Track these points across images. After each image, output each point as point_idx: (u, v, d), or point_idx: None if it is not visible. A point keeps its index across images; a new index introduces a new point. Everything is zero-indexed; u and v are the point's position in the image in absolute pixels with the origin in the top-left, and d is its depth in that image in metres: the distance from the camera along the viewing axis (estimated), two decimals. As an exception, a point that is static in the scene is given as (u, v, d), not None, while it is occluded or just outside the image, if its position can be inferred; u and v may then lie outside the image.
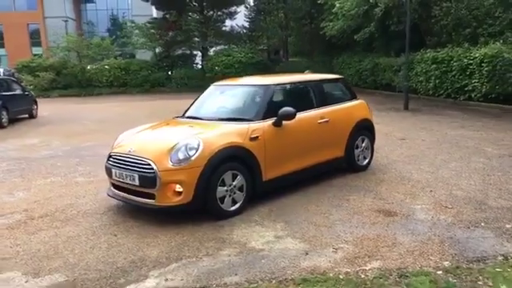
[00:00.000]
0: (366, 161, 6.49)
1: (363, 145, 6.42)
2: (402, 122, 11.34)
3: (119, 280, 3.52)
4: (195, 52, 28.69)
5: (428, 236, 4.05)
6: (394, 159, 7.04)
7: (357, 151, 6.31)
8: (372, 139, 6.61)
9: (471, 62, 13.63)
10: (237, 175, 4.80)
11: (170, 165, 4.53)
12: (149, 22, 28.42)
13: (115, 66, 26.55)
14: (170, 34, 26.67)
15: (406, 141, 8.63)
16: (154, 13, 36.85)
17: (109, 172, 5.07)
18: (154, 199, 4.62)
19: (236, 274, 3.51)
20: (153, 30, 27.34)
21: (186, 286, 3.37)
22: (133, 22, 27.81)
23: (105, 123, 12.96)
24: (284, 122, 5.22)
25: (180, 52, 28.16)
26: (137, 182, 4.65)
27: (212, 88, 6.23)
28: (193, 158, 4.52)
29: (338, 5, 20.02)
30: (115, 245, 4.21)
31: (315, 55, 26.97)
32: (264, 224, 4.56)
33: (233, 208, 4.80)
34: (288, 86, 5.86)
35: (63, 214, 5.17)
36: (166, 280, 3.48)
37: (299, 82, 6.06)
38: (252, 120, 5.13)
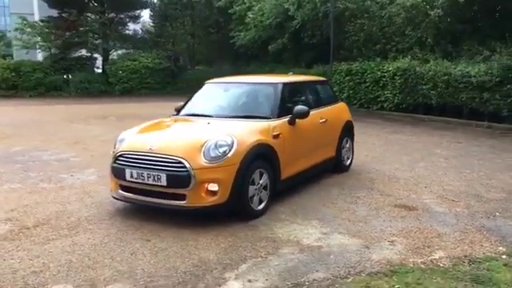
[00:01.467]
0: (349, 161, 6.74)
1: (347, 145, 6.67)
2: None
3: (198, 284, 3.24)
4: (96, 55, 27.10)
5: (462, 226, 4.35)
6: (365, 160, 7.39)
7: (343, 151, 6.53)
8: (353, 140, 6.88)
9: (384, 74, 14.83)
10: (263, 173, 4.70)
11: (204, 162, 4.27)
12: (42, 21, 26.21)
13: (3, 67, 24.01)
14: (67, 34, 24.88)
15: (359, 144, 9.08)
16: (36, 11, 34.14)
17: (119, 173, 4.62)
18: (184, 200, 4.30)
19: (317, 271, 3.44)
20: (47, 30, 25.26)
21: (276, 286, 3.20)
22: (25, 19, 25.38)
23: (18, 128, 11.69)
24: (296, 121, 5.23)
25: (78, 54, 26.41)
26: (163, 183, 4.30)
27: (211, 86, 6.02)
28: (229, 155, 4.32)
29: (251, 15, 20.45)
30: (158, 250, 3.86)
31: (223, 64, 27.13)
32: (298, 222, 4.51)
33: (260, 207, 4.68)
34: (293, 86, 5.88)
35: (62, 222, 4.59)
36: (250, 281, 3.28)
37: (301, 82, 6.14)
38: (269, 118, 5.06)
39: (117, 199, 4.89)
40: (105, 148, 8.63)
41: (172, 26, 27.29)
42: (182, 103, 6.04)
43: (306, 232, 4.23)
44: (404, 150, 8.36)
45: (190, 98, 5.97)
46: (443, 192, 5.53)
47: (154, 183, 4.36)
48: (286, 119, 5.17)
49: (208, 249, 3.86)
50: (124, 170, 4.56)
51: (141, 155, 4.50)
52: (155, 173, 4.34)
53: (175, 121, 5.43)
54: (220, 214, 4.47)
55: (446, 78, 12.55)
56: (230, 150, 4.34)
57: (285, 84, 5.57)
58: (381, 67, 15.10)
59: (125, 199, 4.76)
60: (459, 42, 13.59)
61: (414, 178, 6.25)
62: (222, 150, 4.34)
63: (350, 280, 3.26)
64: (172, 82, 25.62)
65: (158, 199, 4.44)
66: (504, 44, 11.92)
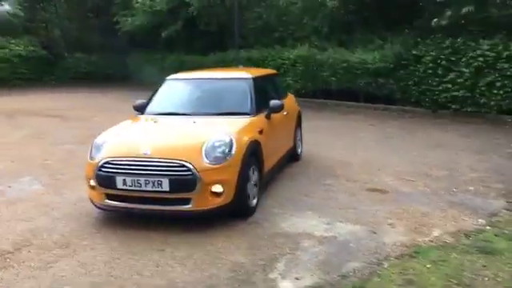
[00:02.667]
0: (300, 150, 7.04)
1: (299, 135, 6.96)
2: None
3: (251, 289, 3.25)
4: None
5: (436, 204, 4.90)
6: (305, 148, 7.72)
7: (297, 141, 6.81)
8: (301, 130, 7.19)
9: (285, 61, 15.47)
10: (254, 170, 4.75)
11: (207, 164, 4.19)
12: None
13: None
14: None
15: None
16: None
17: (107, 181, 4.31)
18: (189, 204, 4.19)
19: (349, 261, 3.65)
20: None
21: (325, 280, 3.36)
22: None
23: None
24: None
25: None
26: (165, 188, 4.13)
27: (176, 82, 5.81)
28: (232, 155, 4.30)
29: (140, 0, 19.69)
30: (181, 258, 3.75)
31: (104, 51, 25.65)
32: (295, 215, 4.67)
33: (254, 203, 4.73)
34: (260, 80, 5.92)
35: (46, 241, 4.17)
36: (298, 279, 3.38)
37: (264, 76, 6.21)
38: (250, 114, 5.11)
39: (102, 209, 4.55)
40: (21, 152, 7.85)
41: (45, 10, 24.93)
42: (140, 100, 5.75)
43: (310, 224, 4.41)
44: (332, 135, 8.92)
45: (152, 95, 5.69)
46: (397, 173, 6.10)
47: (154, 189, 4.16)
48: (263, 114, 5.25)
49: (232, 252, 3.84)
50: (114, 178, 4.26)
51: (135, 161, 4.25)
52: (155, 178, 4.14)
53: (153, 121, 5.17)
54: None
55: (344, 65, 13.51)
56: (230, 150, 4.31)
57: (254, 79, 5.62)
58: (281, 55, 15.68)
59: (114, 209, 4.46)
60: (352, 32, 14.68)
61: (363, 162, 6.78)
62: (222, 149, 4.30)
63: (386, 265, 3.53)
64: (49, 71, 23.60)
65: (158, 206, 4.25)
66: (392, 33, 13.21)
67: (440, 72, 11.45)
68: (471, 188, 5.40)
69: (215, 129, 4.63)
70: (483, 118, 10.49)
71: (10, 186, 5.92)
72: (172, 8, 18.74)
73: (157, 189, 4.15)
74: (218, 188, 4.22)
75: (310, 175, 6.08)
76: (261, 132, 4.97)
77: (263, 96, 5.58)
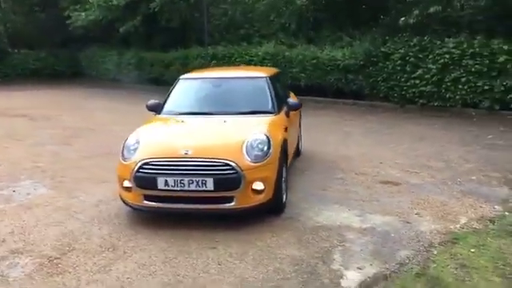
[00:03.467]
0: (301, 145, 7.24)
1: (300, 131, 7.15)
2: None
3: (323, 280, 3.41)
4: None
5: (450, 193, 5.24)
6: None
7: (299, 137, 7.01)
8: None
9: (253, 58, 15.60)
10: (284, 167, 4.89)
11: (249, 162, 4.29)
12: None
13: None
14: None
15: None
16: None
17: (148, 182, 4.30)
18: (232, 202, 4.27)
19: (399, 249, 3.89)
20: None
21: (387, 268, 3.56)
22: None
23: None
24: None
25: None
26: (210, 187, 4.18)
27: (193, 82, 5.81)
28: (271, 152, 4.42)
29: (94, -6, 19.10)
30: (238, 255, 3.83)
31: (54, 47, 24.61)
32: (325, 209, 4.85)
33: (284, 199, 4.87)
34: (273, 79, 6.01)
35: (89, 245, 4.11)
36: (360, 268, 3.57)
37: (275, 74, 6.31)
38: (273, 112, 5.23)
39: (139, 210, 4.53)
40: (5, 154, 7.55)
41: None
42: (154, 100, 5.72)
43: (343, 216, 4.62)
44: (319, 131, 9.18)
45: (168, 95, 5.65)
46: (399, 166, 6.44)
47: (198, 189, 4.20)
48: (283, 112, 5.39)
49: (284, 246, 3.96)
50: (155, 179, 4.25)
51: (177, 161, 4.26)
52: (199, 178, 4.18)
53: (181, 120, 5.15)
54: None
55: (314, 61, 13.86)
56: (269, 148, 4.43)
57: (270, 77, 5.75)
58: (248, 51, 15.80)
59: (153, 209, 4.45)
60: (320, 29, 15.06)
61: (361, 155, 7.08)
62: (261, 147, 4.41)
63: (435, 252, 3.80)
64: (-7, 68, 22.43)
65: (201, 205, 4.29)
66: (360, 31, 13.72)
67: (408, 69, 12.04)
68: (473, 177, 5.82)
69: (249, 128, 4.72)
70: (449, 112, 11.16)
71: (14, 191, 5.70)
72: (130, 2, 18.29)
73: (201, 188, 4.19)
74: (259, 185, 4.32)
75: (317, 170, 6.29)
76: (286, 130, 5.11)
77: (277, 94, 5.71)
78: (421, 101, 11.91)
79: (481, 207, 4.81)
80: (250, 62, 15.66)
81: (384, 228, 4.32)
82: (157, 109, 5.61)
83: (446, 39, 11.51)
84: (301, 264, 3.65)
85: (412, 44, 12.00)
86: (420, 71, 11.84)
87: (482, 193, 5.25)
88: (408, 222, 4.45)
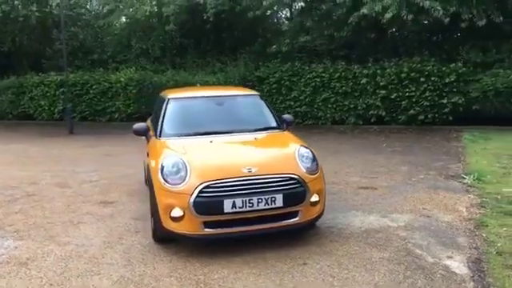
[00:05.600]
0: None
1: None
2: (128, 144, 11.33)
3: (436, 276, 3.67)
4: None
5: (424, 190, 6.01)
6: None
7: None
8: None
9: (114, 85, 14.79)
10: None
11: (308, 175, 4.28)
12: None
13: None
14: None
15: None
16: None
17: (213, 207, 3.92)
18: (297, 217, 4.19)
19: (456, 237, 4.37)
20: None
21: (480, 252, 3.98)
22: None
23: None
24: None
25: None
26: (279, 203, 4.03)
27: (186, 101, 5.36)
28: (319, 165, 4.49)
29: None
30: (341, 267, 3.80)
31: None
32: (346, 214, 5.09)
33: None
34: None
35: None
36: (451, 258, 3.92)
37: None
38: (280, 128, 5.25)
39: (198, 240, 4.07)
40: None
41: None
42: (140, 124, 5.18)
43: (372, 219, 4.92)
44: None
45: (162, 117, 5.10)
46: (358, 173, 7.03)
47: (267, 207, 4.00)
48: (284, 127, 5.44)
49: (362, 251, 4.07)
50: (220, 202, 3.90)
51: (243, 180, 3.98)
52: (268, 195, 3.99)
53: (208, 141, 4.69)
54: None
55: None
56: (314, 160, 4.48)
57: (260, 95, 5.76)
58: (107, 78, 14.91)
59: (216, 236, 4.03)
60: (185, 54, 15.12)
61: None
62: (310, 160, 4.44)
63: (484, 234, 4.39)
64: None
65: (268, 224, 4.09)
66: (228, 57, 14.33)
67: (283, 91, 13.07)
68: (421, 176, 6.76)
69: (283, 143, 4.77)
70: (322, 129, 12.46)
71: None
72: None
73: (269, 206, 4.00)
74: (316, 197, 4.31)
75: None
76: (298, 143, 5.19)
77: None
78: (296, 120, 12.96)
79: (459, 196, 5.66)
80: (109, 89, 14.82)
81: (418, 224, 4.76)
82: (145, 133, 5.08)
83: (314, 65, 12.90)
84: (401, 263, 3.81)
85: (284, 69, 13.07)
86: (294, 93, 12.95)
87: (443, 186, 6.15)
88: (429, 216, 4.98)
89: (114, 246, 4.37)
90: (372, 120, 12.35)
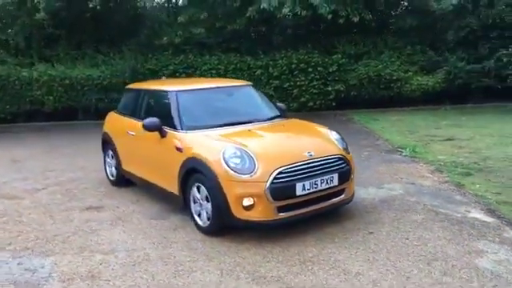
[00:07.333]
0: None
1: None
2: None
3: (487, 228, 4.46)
4: None
5: (383, 165, 6.86)
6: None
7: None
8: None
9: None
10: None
11: (347, 155, 4.69)
12: None
13: None
14: None
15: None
16: None
17: (286, 191, 4.04)
18: (343, 194, 4.56)
19: (454, 196, 5.27)
20: None
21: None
22: None
23: None
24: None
25: None
26: (335, 182, 4.36)
27: (191, 94, 5.11)
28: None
29: None
30: (433, 241, 4.33)
31: None
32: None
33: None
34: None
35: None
36: (469, 212, 4.76)
37: None
38: (283, 116, 5.49)
39: (271, 227, 4.15)
40: None
41: None
42: (152, 119, 4.88)
43: (376, 190, 5.57)
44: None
45: (178, 112, 4.85)
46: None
47: (327, 186, 4.30)
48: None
49: (408, 221, 4.65)
50: (294, 186, 4.07)
51: (308, 163, 4.21)
52: (327, 176, 4.27)
53: (247, 130, 4.66)
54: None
55: (66, 82, 12.71)
56: (345, 141, 4.92)
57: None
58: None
59: (288, 219, 4.15)
60: (56, 46, 13.72)
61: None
62: (343, 141, 4.85)
63: (470, 189, 5.36)
64: None
65: (325, 202, 4.37)
66: (110, 49, 13.53)
67: (178, 83, 12.92)
68: (366, 153, 7.66)
69: (307, 128, 5.11)
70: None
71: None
72: None
73: (329, 185, 4.30)
74: (352, 176, 4.76)
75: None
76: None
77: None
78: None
79: (415, 167, 6.66)
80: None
81: (412, 190, 5.50)
82: (159, 128, 4.83)
83: (207, 56, 13.08)
84: (442, 220, 4.49)
85: (178, 62, 12.95)
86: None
87: (392, 159, 7.13)
88: (413, 183, 5.80)
89: (169, 244, 4.14)
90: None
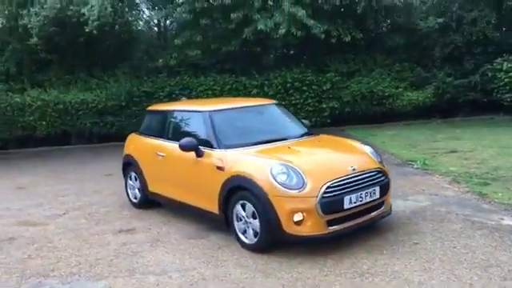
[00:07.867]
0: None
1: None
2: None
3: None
4: None
5: (400, 177, 6.95)
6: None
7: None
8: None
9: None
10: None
11: (382, 167, 4.80)
12: None
13: None
14: None
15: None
16: None
17: (335, 205, 4.11)
18: (382, 206, 4.64)
19: (482, 204, 5.41)
20: None
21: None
22: None
23: None
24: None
25: None
26: (377, 195, 4.45)
27: (225, 113, 5.15)
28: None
29: None
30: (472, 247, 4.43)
31: None
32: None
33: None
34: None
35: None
36: (502, 218, 4.90)
37: None
38: (311, 133, 5.57)
39: (322, 241, 4.18)
40: None
41: None
42: (188, 139, 4.88)
43: (405, 202, 5.68)
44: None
45: (214, 131, 4.88)
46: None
47: (370, 199, 4.39)
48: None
49: (446, 230, 4.77)
50: (342, 200, 4.14)
51: (353, 177, 4.29)
52: (370, 189, 4.36)
53: (287, 147, 4.72)
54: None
55: (60, 106, 12.57)
56: (379, 155, 5.02)
57: (276, 104, 6.00)
58: None
59: (337, 233, 4.19)
60: (47, 71, 13.56)
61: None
62: (378, 155, 4.95)
63: (496, 200, 5.52)
64: None
65: (369, 215, 4.44)
66: (103, 73, 13.47)
67: (174, 105, 12.90)
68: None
69: (342, 143, 5.23)
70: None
71: None
72: None
73: (372, 198, 4.38)
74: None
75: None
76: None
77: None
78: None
79: (432, 178, 6.81)
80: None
81: (438, 201, 5.62)
82: (195, 148, 4.83)
83: (202, 78, 13.16)
84: (480, 228, 4.60)
85: (173, 83, 12.98)
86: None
87: (407, 172, 7.27)
88: (436, 194, 5.94)
89: (219, 263, 4.13)
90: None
